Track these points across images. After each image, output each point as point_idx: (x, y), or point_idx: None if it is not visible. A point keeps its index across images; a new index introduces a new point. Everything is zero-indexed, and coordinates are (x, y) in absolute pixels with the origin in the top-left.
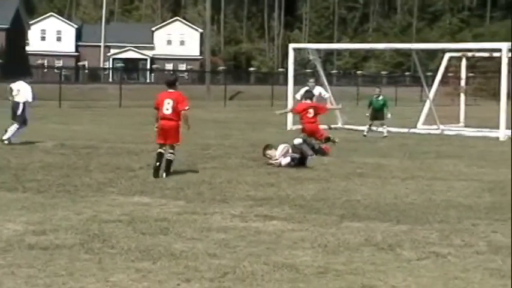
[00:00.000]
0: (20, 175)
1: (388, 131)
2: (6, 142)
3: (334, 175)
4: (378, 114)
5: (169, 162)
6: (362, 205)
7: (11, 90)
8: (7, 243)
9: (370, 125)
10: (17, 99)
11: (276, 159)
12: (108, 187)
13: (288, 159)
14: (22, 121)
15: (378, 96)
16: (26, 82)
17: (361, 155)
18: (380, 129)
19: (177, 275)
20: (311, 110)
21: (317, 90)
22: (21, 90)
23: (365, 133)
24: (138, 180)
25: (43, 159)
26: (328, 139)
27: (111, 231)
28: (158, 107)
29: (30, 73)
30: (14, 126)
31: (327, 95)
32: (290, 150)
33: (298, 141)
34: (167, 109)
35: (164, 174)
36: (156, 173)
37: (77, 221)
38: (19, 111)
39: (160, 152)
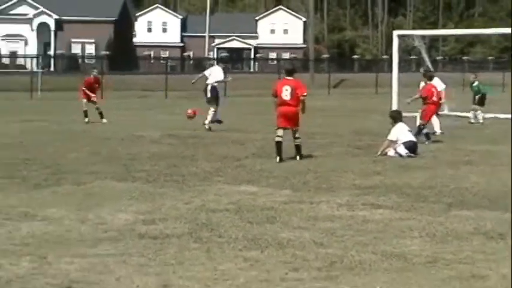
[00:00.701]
0: (129, 165)
1: (484, 118)
2: (207, 127)
3: (441, 163)
4: (476, 100)
5: (298, 147)
6: (471, 193)
7: (204, 76)
8: (118, 232)
9: (473, 110)
10: (208, 81)
11: (384, 150)
12: (215, 176)
13: (392, 153)
14: (215, 103)
15: (473, 83)
16: (220, 66)
17: (469, 142)
18: (476, 114)
19: (284, 263)
20: (435, 93)
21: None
22: (213, 73)
23: (471, 120)
24: (245, 170)
25: (151, 149)
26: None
27: (218, 220)
28: (276, 94)
29: (137, 64)
30: (211, 111)
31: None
32: (400, 143)
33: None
34: (286, 95)
35: (298, 158)
36: (280, 159)
37: (185, 210)
38: (209, 94)
39: (278, 142)
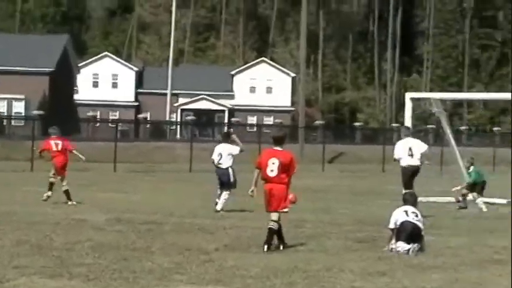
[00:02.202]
0: (65, 258)
1: (487, 205)
2: (220, 212)
3: (464, 262)
4: (474, 187)
5: (271, 232)
6: None
7: (212, 159)
8: None
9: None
10: (221, 165)
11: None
12: (174, 274)
13: (401, 248)
14: (233, 186)
15: (468, 168)
16: (228, 143)
17: (500, 236)
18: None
19: None
20: None
21: None
22: (224, 154)
23: (484, 209)
24: (213, 266)
25: (94, 237)
26: None
27: None
28: (260, 167)
29: (78, 128)
30: (225, 194)
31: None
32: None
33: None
34: (271, 170)
35: (265, 247)
36: (268, 248)
37: None
38: (227, 178)
39: (270, 228)
